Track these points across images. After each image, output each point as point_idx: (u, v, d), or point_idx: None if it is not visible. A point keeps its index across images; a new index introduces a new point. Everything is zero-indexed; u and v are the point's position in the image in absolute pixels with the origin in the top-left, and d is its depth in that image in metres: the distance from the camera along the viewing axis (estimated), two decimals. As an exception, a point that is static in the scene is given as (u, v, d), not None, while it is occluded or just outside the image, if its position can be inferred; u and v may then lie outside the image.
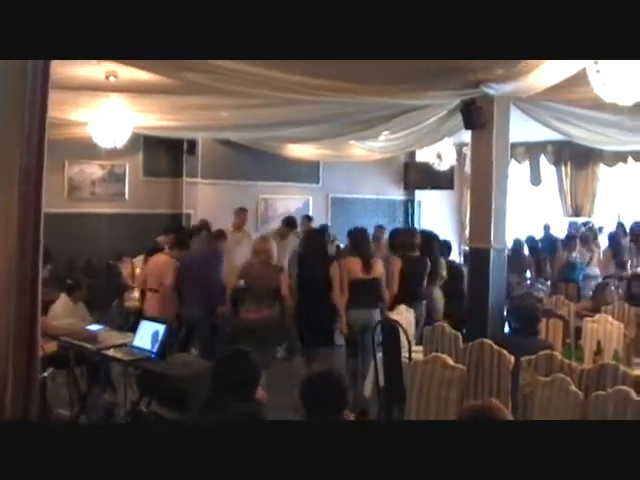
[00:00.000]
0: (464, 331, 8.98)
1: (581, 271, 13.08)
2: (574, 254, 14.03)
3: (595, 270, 13.61)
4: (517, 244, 14.43)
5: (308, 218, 13.50)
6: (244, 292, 9.07)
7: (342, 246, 12.76)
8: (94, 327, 8.04)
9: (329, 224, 15.63)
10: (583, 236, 15.04)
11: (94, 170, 13.36)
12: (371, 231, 11.79)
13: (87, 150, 11.79)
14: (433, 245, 10.70)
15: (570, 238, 14.80)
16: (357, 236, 9.69)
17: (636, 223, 16.42)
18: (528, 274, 14.07)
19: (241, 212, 12.84)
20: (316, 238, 9.73)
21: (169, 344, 8.57)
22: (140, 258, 11.37)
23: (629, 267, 13.59)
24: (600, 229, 16.56)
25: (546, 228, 16.58)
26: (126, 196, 13.79)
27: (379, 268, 9.35)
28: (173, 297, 9.44)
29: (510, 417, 3.55)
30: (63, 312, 8.22)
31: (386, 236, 12.33)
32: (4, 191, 3.94)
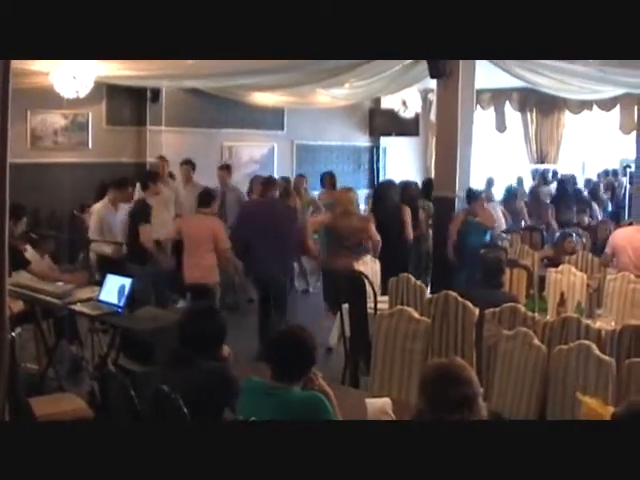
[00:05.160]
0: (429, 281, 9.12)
1: (482, 235, 10.44)
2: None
3: None
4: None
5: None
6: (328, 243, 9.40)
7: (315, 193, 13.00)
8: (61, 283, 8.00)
9: (294, 171, 15.62)
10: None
11: (57, 119, 13.18)
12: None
13: (49, 99, 11.62)
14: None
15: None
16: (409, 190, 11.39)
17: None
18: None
19: (185, 165, 12.07)
20: (390, 187, 10.58)
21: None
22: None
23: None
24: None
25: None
26: (89, 145, 13.63)
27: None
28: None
29: (473, 375, 3.59)
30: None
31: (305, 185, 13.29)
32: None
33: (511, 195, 14.43)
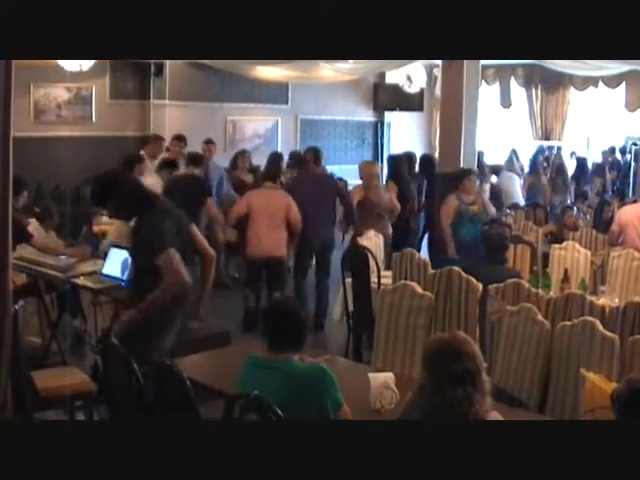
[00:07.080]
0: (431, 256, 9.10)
1: (472, 224, 9.12)
2: None
3: None
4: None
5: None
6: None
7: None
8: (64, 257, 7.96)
9: (298, 145, 15.55)
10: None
11: (60, 93, 13.11)
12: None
13: (53, 73, 11.59)
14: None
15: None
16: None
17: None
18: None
19: (175, 140, 11.60)
20: (403, 160, 10.95)
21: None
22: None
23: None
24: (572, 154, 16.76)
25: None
26: (93, 119, 13.58)
27: None
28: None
29: (476, 349, 3.58)
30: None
31: None
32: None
33: (536, 168, 14.48)
